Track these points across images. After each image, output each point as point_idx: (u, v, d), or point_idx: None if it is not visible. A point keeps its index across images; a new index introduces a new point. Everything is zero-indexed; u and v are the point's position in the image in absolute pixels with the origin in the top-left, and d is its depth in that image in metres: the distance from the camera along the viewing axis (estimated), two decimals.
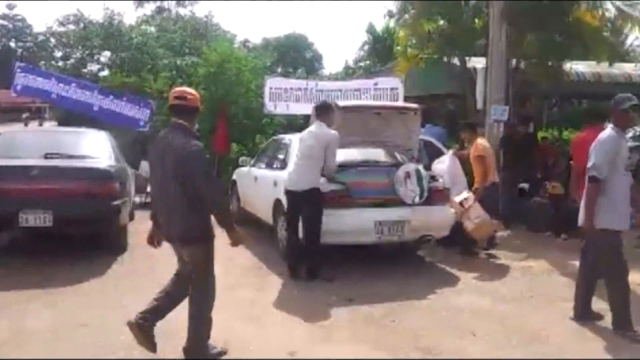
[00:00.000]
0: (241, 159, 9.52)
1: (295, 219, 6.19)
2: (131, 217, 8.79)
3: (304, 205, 6.06)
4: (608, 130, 4.64)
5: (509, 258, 7.17)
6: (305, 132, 6.34)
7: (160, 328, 4.07)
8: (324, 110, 6.28)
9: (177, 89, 4.16)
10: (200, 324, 4.00)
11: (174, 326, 4.15)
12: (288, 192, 6.20)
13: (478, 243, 7.21)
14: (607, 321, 4.75)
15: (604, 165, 4.45)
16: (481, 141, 7.56)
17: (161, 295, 4.08)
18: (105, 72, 20.37)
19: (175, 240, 4.04)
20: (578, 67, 12.47)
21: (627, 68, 14.18)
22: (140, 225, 8.94)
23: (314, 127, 6.22)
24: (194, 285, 4.02)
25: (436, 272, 6.60)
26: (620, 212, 4.55)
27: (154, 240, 4.27)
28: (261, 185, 7.92)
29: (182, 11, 30.96)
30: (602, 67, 12.58)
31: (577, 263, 6.69)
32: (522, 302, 5.48)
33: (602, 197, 4.49)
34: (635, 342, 4.39)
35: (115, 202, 6.76)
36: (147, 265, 6.72)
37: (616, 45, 13.39)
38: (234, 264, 6.78)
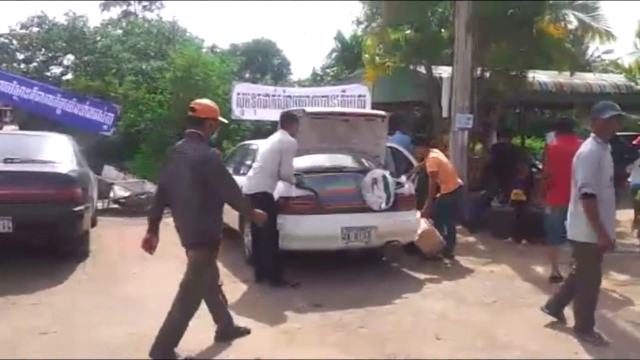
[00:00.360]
0: None
1: (255, 225, 6.17)
2: (93, 223, 8.63)
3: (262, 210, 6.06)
4: (589, 143, 4.53)
5: (472, 263, 7.26)
6: (268, 139, 6.39)
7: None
8: (288, 120, 6.33)
9: (195, 101, 4.40)
10: (175, 326, 4.12)
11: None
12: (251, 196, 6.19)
13: (425, 254, 7.19)
14: (570, 323, 4.85)
15: (592, 180, 4.38)
16: (434, 155, 7.58)
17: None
18: (69, 76, 19.99)
19: (187, 244, 4.26)
20: (541, 76, 12.77)
21: (588, 78, 14.58)
22: (102, 231, 8.81)
23: (276, 135, 6.27)
24: (186, 288, 4.20)
25: (402, 277, 6.64)
26: (607, 223, 4.46)
27: (150, 245, 4.50)
28: None
29: (149, 15, 30.61)
30: (564, 77, 12.90)
31: (537, 268, 6.89)
32: (485, 306, 5.55)
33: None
34: (597, 344, 4.48)
35: (77, 208, 6.61)
36: (109, 271, 6.62)
37: (577, 56, 13.78)
38: None
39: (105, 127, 12.29)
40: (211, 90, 13.08)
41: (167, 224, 10.50)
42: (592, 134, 4.58)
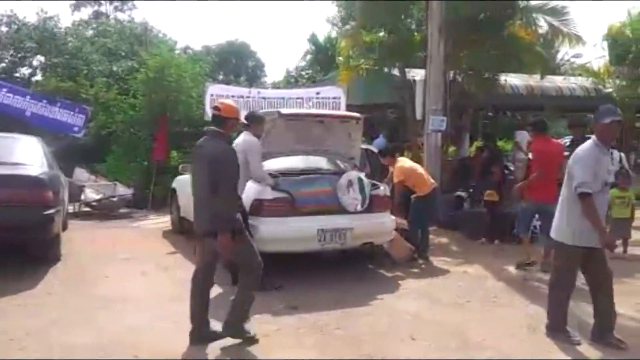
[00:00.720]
0: (181, 166, 9.33)
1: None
2: (64, 226, 8.50)
3: None
4: (589, 145, 4.52)
5: (446, 264, 7.33)
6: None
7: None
8: (252, 120, 6.23)
9: (219, 100, 4.89)
10: (240, 307, 4.53)
11: None
12: None
13: (397, 261, 7.22)
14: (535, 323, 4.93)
15: (590, 180, 4.35)
16: (399, 165, 7.66)
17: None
18: (38, 77, 19.61)
19: (203, 233, 4.47)
20: (512, 80, 12.98)
21: (558, 81, 14.88)
22: (74, 235, 8.68)
23: (240, 136, 6.19)
24: (242, 277, 4.63)
25: (378, 278, 6.67)
26: (586, 228, 4.42)
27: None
28: None
29: (121, 16, 30.23)
30: (535, 80, 13.14)
31: (510, 268, 6.99)
32: (459, 306, 5.61)
33: (574, 211, 4.47)
34: (569, 343, 4.56)
35: (48, 211, 6.48)
36: (80, 275, 6.52)
37: (548, 59, 14.05)
38: (172, 275, 6.65)
39: (76, 129, 12.12)
40: (184, 92, 12.97)
41: (139, 227, 10.46)
42: (593, 137, 4.57)
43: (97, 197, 11.29)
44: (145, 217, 11.06)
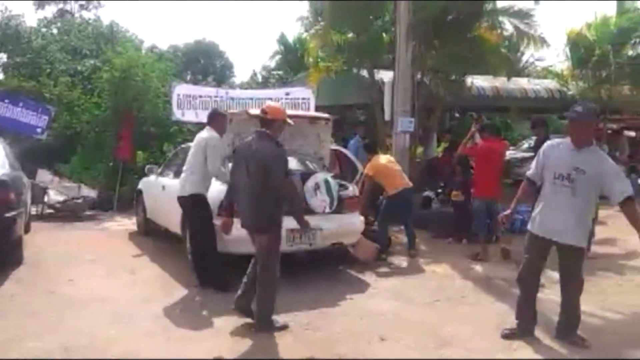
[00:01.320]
0: (147, 167, 9.19)
1: (192, 229, 6.13)
2: (27, 229, 8.29)
3: (190, 213, 6.05)
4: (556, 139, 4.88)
5: (416, 263, 7.39)
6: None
7: None
8: (214, 117, 6.25)
9: (266, 104, 5.24)
10: (264, 302, 4.78)
11: None
12: (178, 199, 6.16)
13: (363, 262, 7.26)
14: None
15: (533, 168, 4.76)
16: (374, 160, 7.83)
17: (246, 281, 4.94)
18: (0, 76, 19.09)
19: (250, 228, 4.84)
20: (478, 81, 13.17)
21: (523, 83, 15.15)
22: (37, 237, 8.47)
23: (201, 133, 6.20)
24: (261, 268, 4.79)
25: (348, 278, 6.67)
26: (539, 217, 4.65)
27: (228, 228, 5.22)
28: (169, 194, 7.67)
29: (86, 14, 29.62)
30: (501, 82, 13.35)
31: (477, 267, 7.09)
32: (429, 305, 5.65)
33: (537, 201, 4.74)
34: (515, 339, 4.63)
35: (10, 213, 6.33)
36: (44, 279, 6.37)
37: (513, 62, 14.30)
38: (139, 278, 6.57)
39: (39, 130, 11.82)
40: (151, 92, 12.79)
41: (105, 229, 10.27)
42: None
43: (61, 198, 11.05)
44: (110, 219, 10.87)
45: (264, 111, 4.92)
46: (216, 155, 5.96)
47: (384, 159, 8.02)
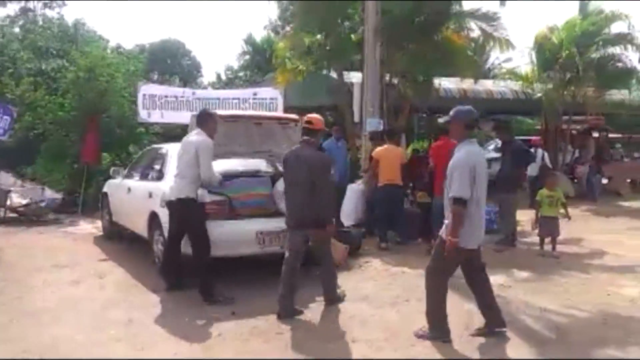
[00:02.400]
0: (112, 169, 8.99)
1: (175, 231, 5.96)
2: None
3: (182, 218, 5.85)
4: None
5: (385, 264, 7.39)
6: (182, 141, 6.11)
7: None
8: (204, 118, 6.04)
9: (308, 116, 5.63)
10: (331, 279, 5.64)
11: None
12: (167, 203, 5.99)
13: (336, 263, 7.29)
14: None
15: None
16: (384, 147, 8.52)
17: (287, 281, 5.30)
18: None
19: (307, 225, 5.30)
20: (445, 83, 13.31)
21: (489, 85, 15.39)
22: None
23: (190, 135, 6.01)
24: (323, 256, 5.52)
25: (317, 280, 6.63)
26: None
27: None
28: (135, 197, 7.58)
29: (50, 13, 28.94)
30: (467, 84, 13.52)
31: None
32: (400, 305, 5.66)
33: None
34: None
35: None
36: (6, 285, 6.22)
37: (480, 64, 14.52)
38: (106, 282, 6.45)
39: (0, 131, 11.50)
40: (116, 92, 12.57)
41: (70, 233, 10.04)
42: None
43: (24, 202, 10.78)
44: (75, 223, 10.64)
45: (309, 121, 5.51)
46: (209, 160, 5.78)
47: (390, 150, 8.50)
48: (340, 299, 5.67)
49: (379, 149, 8.56)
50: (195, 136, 5.90)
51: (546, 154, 13.12)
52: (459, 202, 4.37)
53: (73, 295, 5.94)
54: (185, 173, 5.79)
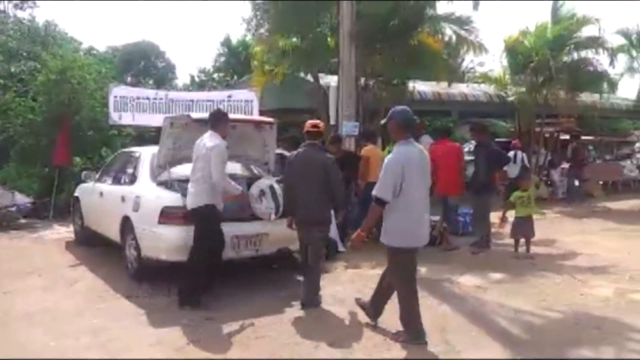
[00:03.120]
0: (84, 173, 8.80)
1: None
2: None
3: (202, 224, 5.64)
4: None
5: (359, 266, 7.36)
6: (196, 145, 5.83)
7: None
8: (217, 119, 5.83)
9: (312, 121, 6.04)
10: (315, 283, 5.71)
11: None
12: (191, 211, 5.69)
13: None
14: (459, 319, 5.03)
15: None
16: (376, 146, 9.08)
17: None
18: None
19: (312, 223, 5.60)
20: (420, 86, 13.40)
21: (463, 88, 15.54)
22: None
23: (204, 137, 5.73)
24: (313, 254, 5.65)
25: (293, 284, 6.59)
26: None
27: (292, 224, 5.79)
28: (107, 201, 7.45)
29: (21, 14, 28.39)
30: (442, 87, 13.63)
31: (422, 269, 7.10)
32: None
33: None
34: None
35: None
36: None
37: (454, 67, 14.65)
38: (76, 289, 6.33)
39: None
40: (87, 94, 12.34)
41: (41, 238, 9.82)
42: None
43: None
44: (47, 228, 10.42)
45: (316, 126, 5.87)
46: (221, 165, 5.62)
47: (376, 149, 8.96)
48: (318, 302, 5.67)
49: (368, 147, 8.90)
50: (209, 137, 5.66)
51: (525, 156, 13.26)
52: (378, 201, 4.52)
53: (43, 302, 5.80)
54: (203, 177, 5.58)
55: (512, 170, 11.10)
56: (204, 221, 5.61)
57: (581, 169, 15.38)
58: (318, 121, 6.11)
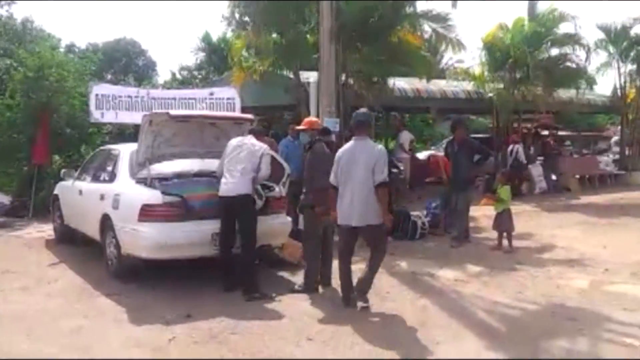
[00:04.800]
0: (63, 171, 8.72)
1: (227, 229, 6.06)
2: None
3: (240, 212, 6.05)
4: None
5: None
6: (238, 141, 6.29)
7: None
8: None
9: (314, 119, 7.10)
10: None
11: None
12: (226, 198, 6.01)
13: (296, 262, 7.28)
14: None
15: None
16: None
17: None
18: None
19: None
20: (400, 83, 13.46)
21: (443, 85, 15.65)
22: None
23: (249, 138, 6.32)
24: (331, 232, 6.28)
25: (273, 280, 6.61)
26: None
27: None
28: (87, 199, 7.40)
29: None
30: (422, 84, 13.72)
31: (402, 263, 7.23)
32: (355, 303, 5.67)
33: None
34: None
35: None
36: None
37: (433, 64, 14.75)
38: (55, 288, 6.27)
39: None
40: (66, 92, 12.21)
41: (19, 237, 9.72)
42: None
43: None
44: (26, 226, 10.30)
45: (325, 128, 6.71)
46: (269, 162, 6.25)
47: None
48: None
49: None
50: (253, 139, 6.31)
51: (521, 150, 14.00)
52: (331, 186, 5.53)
53: (21, 302, 5.75)
54: (249, 171, 6.01)
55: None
56: (252, 206, 6.08)
57: (555, 161, 15.62)
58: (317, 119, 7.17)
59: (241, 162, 6.06)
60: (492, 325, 5.07)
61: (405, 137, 13.33)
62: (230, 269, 6.05)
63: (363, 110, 5.97)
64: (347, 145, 5.58)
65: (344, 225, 5.49)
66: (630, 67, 18.27)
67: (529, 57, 13.81)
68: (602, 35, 17.82)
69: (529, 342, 4.62)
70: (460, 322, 5.06)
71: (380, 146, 5.71)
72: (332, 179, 5.50)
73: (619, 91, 18.53)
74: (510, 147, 13.95)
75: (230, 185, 5.97)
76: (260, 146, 6.24)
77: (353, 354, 4.43)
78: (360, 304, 5.41)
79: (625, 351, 4.44)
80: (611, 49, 17.93)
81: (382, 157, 5.39)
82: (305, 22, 11.82)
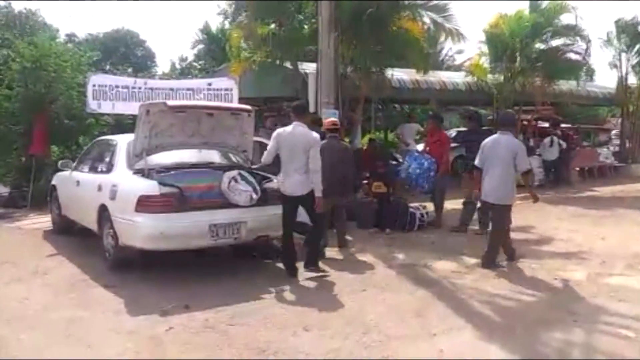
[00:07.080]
0: (61, 162, 8.70)
1: (291, 222, 6.28)
2: None
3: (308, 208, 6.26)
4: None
5: (340, 253, 7.42)
6: (284, 134, 6.22)
7: None
8: (303, 110, 6.53)
9: (332, 119, 7.97)
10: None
11: None
12: (294, 198, 6.23)
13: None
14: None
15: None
16: None
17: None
18: None
19: (337, 193, 7.12)
20: (399, 74, 13.42)
21: (442, 76, 15.59)
22: None
23: (298, 129, 6.19)
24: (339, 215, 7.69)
25: (272, 271, 6.62)
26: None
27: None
28: (85, 189, 7.39)
29: None
30: (420, 75, 13.67)
31: (400, 255, 7.23)
32: (354, 294, 5.68)
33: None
34: None
35: None
36: None
37: (432, 55, 14.71)
38: (52, 278, 6.27)
39: None
40: (64, 82, 12.17)
41: (18, 228, 9.70)
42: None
43: None
44: (24, 217, 10.31)
45: (335, 123, 7.72)
46: (319, 154, 6.20)
47: None
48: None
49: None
50: (303, 130, 6.20)
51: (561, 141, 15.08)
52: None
53: (19, 292, 5.75)
54: (306, 168, 6.10)
55: (551, 153, 14.79)
56: (310, 205, 6.22)
57: (569, 154, 15.63)
58: (336, 119, 7.99)
59: (297, 158, 6.14)
60: (489, 317, 5.07)
61: (413, 128, 13.76)
62: (293, 255, 6.30)
63: (509, 110, 7.05)
64: (492, 137, 6.72)
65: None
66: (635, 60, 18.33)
67: (527, 48, 13.77)
68: (604, 31, 17.87)
69: (525, 334, 4.62)
70: (457, 313, 5.05)
71: (518, 141, 6.89)
72: (477, 162, 6.66)
73: (623, 83, 18.53)
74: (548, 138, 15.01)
75: (301, 183, 6.16)
76: (310, 139, 6.20)
77: (349, 343, 4.43)
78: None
79: (621, 342, 4.44)
80: (615, 42, 17.96)
81: (521, 149, 6.57)
82: (305, 13, 11.79)
